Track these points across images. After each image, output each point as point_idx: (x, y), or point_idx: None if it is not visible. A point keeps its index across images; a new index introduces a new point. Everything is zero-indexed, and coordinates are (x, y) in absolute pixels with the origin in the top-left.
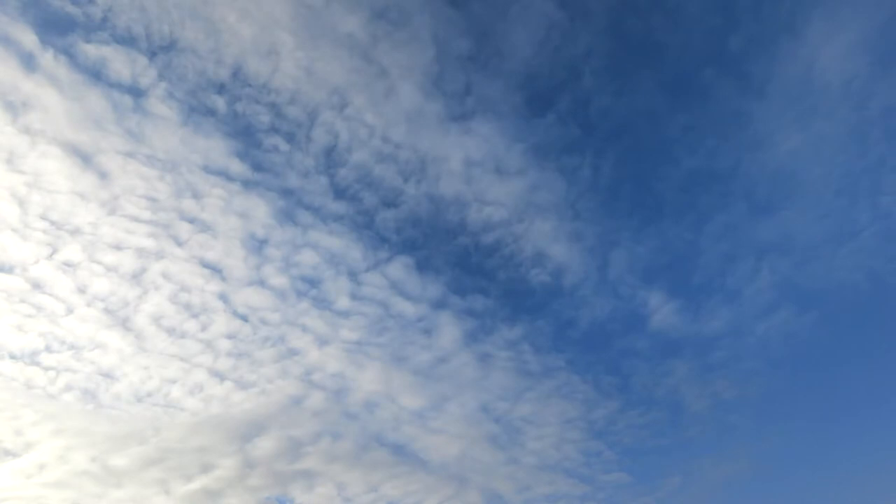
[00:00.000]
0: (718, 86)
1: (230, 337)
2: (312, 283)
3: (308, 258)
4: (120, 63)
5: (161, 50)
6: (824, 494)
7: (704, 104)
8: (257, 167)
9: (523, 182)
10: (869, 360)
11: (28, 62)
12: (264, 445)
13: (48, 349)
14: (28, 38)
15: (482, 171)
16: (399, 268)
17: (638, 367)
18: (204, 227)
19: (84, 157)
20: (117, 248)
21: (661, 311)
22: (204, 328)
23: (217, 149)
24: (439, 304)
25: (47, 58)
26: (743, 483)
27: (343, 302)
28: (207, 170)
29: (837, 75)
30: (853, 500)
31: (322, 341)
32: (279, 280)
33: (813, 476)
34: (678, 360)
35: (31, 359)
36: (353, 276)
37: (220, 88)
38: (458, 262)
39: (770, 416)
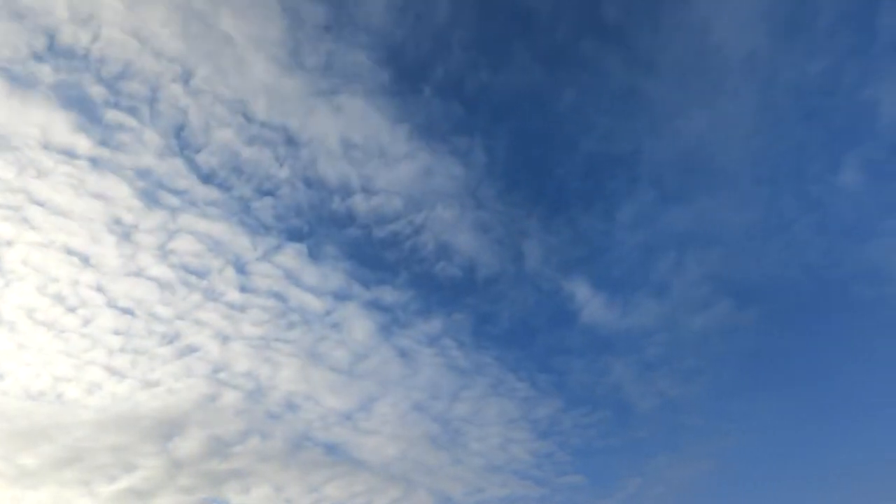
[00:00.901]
0: (601, 59)
1: (118, 333)
2: (198, 273)
3: (186, 245)
4: None
5: None
6: (790, 491)
7: (590, 79)
8: (104, 144)
9: (414, 167)
10: (814, 355)
11: None
12: (187, 445)
13: None
14: None
15: (364, 154)
16: (292, 257)
17: (573, 364)
18: (58, 211)
19: None
20: None
21: (590, 305)
22: (86, 323)
23: (54, 123)
24: (343, 296)
25: None
26: (707, 482)
27: (234, 294)
28: (48, 146)
29: (736, 48)
30: (819, 494)
31: (223, 337)
32: (159, 270)
33: (777, 473)
34: (613, 356)
35: None
36: (241, 266)
37: (40, 58)
38: (354, 252)
39: (723, 414)
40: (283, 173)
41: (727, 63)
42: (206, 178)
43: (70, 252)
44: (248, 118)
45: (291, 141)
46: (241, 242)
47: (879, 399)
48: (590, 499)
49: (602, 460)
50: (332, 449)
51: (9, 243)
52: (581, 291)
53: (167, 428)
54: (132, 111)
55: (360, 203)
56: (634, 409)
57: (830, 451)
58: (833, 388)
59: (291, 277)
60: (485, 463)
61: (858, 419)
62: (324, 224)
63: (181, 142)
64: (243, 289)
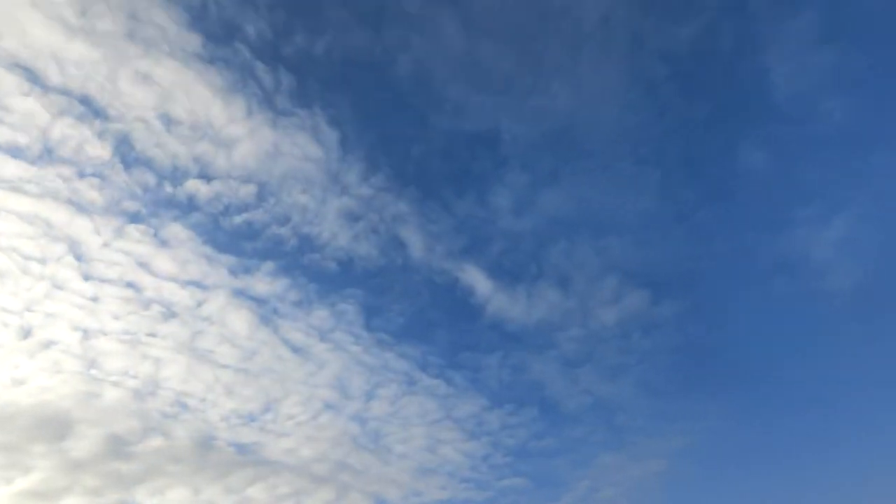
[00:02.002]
0: (431, 19)
1: None
2: (38, 260)
3: (13, 228)
4: None
5: None
6: (741, 490)
7: (425, 44)
8: None
9: (256, 147)
10: (742, 352)
11: None
12: (82, 445)
13: None
14: None
15: (192, 131)
16: (137, 242)
17: (485, 360)
18: None
19: None
20: None
21: (494, 298)
22: None
23: None
24: (207, 286)
25: None
26: (659, 483)
27: (81, 284)
28: None
29: (587, 11)
30: (768, 493)
31: (82, 331)
32: None
33: (728, 472)
34: (528, 352)
35: None
36: (82, 252)
37: None
38: (208, 239)
39: (662, 414)
40: (101, 152)
41: (579, 29)
42: (17, 154)
43: None
44: (45, 87)
45: (100, 114)
46: (77, 226)
47: (811, 395)
48: (537, 502)
49: (542, 462)
50: (244, 449)
51: None
52: (480, 284)
53: (53, 427)
54: None
55: (200, 189)
56: (563, 408)
57: (777, 448)
58: (767, 385)
59: (143, 265)
60: (416, 465)
61: (798, 415)
62: (164, 209)
63: None
64: (87, 277)
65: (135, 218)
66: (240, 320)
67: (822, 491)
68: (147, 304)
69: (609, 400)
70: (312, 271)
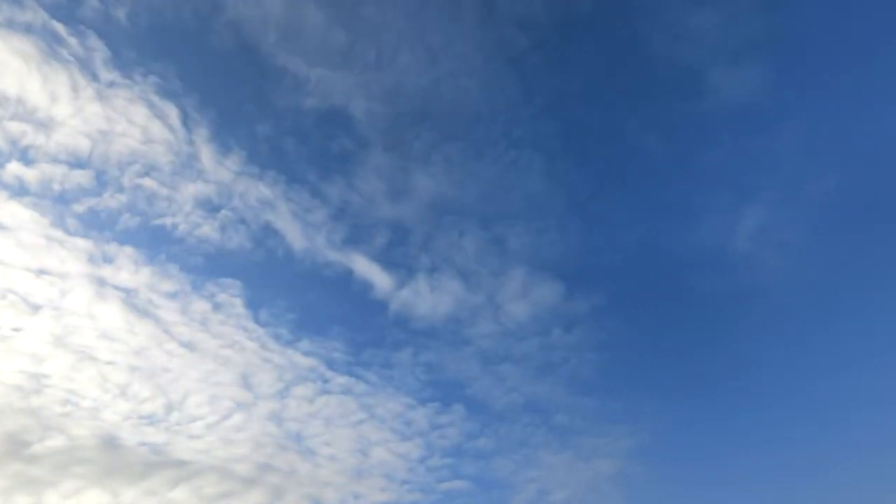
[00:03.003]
0: None
1: None
2: None
3: None
4: None
5: None
6: (693, 490)
7: None
8: None
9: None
10: (669, 349)
11: None
12: None
13: None
14: None
15: None
16: None
17: (394, 357)
18: None
19: None
20: None
21: (396, 293)
22: None
23: None
24: (66, 273)
25: None
26: (611, 484)
27: None
28: None
29: None
30: (721, 493)
31: None
32: None
33: (683, 471)
34: (439, 349)
35: None
36: None
37: None
38: (56, 220)
39: (606, 413)
40: None
41: None
42: None
43: None
44: None
45: None
46: None
47: (749, 391)
48: None
49: (483, 464)
50: (158, 451)
51: None
52: (377, 277)
53: None
54: None
55: (25, 173)
56: (491, 408)
57: (727, 447)
58: (705, 381)
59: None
60: (349, 467)
61: (742, 412)
62: None
63: None
64: None
65: None
66: (112, 313)
67: (773, 488)
68: (2, 295)
69: (541, 399)
70: (180, 261)
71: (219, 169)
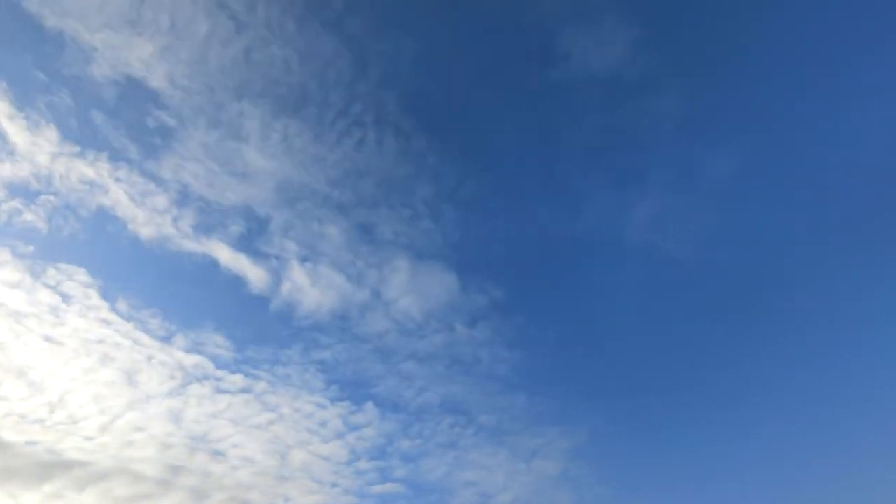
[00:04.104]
0: None
1: None
2: None
3: None
4: None
5: None
6: (639, 489)
7: None
8: None
9: None
10: (581, 342)
11: None
12: None
13: None
14: None
15: None
16: None
17: (283, 354)
18: None
19: None
20: None
21: (271, 284)
22: None
23: None
24: None
25: None
26: (556, 484)
27: None
28: None
29: None
30: (668, 490)
31: None
32: None
33: (627, 470)
34: (331, 345)
35: None
36: None
37: None
38: None
39: (539, 413)
40: None
41: None
42: None
43: None
44: None
45: None
46: None
47: (679, 390)
48: None
49: (412, 467)
50: (50, 451)
51: None
52: (248, 268)
53: None
54: None
55: None
56: (406, 407)
57: (667, 444)
58: (631, 380)
59: None
60: (269, 469)
61: (680, 410)
62: None
63: None
64: None
65: None
66: None
67: (716, 484)
68: None
69: (459, 398)
70: (10, 249)
71: (32, 149)
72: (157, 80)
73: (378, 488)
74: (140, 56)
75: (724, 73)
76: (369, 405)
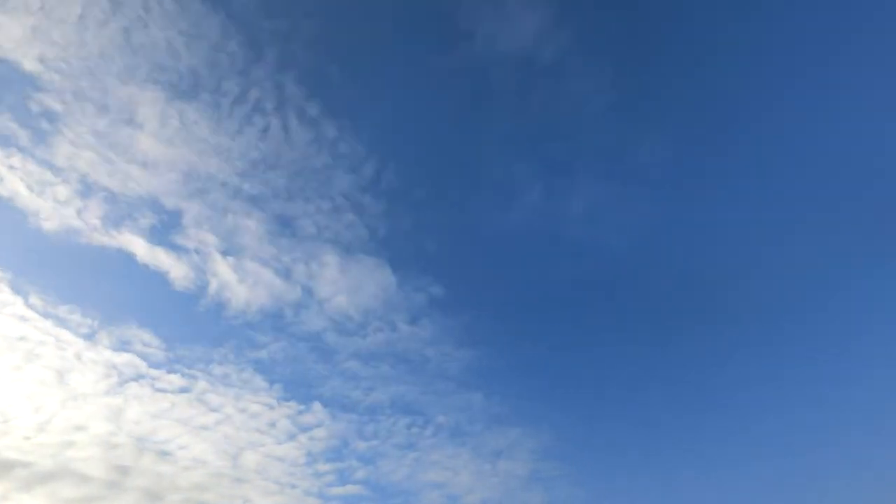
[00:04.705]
0: None
1: None
2: None
3: None
4: None
5: None
6: (620, 482)
7: None
8: None
9: None
10: (533, 343)
11: None
12: None
13: None
14: None
15: None
16: None
17: (216, 353)
18: None
19: None
20: None
21: (202, 282)
22: None
23: None
24: None
25: None
26: (527, 483)
27: None
28: None
29: None
30: (635, 489)
31: None
32: None
33: (602, 467)
34: (267, 343)
35: None
36: None
37: None
38: None
39: (493, 415)
40: None
41: None
42: None
43: None
44: None
45: None
46: None
47: (635, 387)
48: None
49: (370, 468)
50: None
51: None
52: (169, 263)
53: None
54: None
55: None
56: (357, 407)
57: (636, 442)
58: (592, 379)
59: None
60: (223, 470)
61: (636, 408)
62: None
63: None
64: None
65: None
66: None
67: (689, 483)
68: None
69: (410, 398)
70: None
71: None
72: (30, 62)
73: (338, 490)
74: (10, 37)
75: (648, 54)
76: (317, 405)
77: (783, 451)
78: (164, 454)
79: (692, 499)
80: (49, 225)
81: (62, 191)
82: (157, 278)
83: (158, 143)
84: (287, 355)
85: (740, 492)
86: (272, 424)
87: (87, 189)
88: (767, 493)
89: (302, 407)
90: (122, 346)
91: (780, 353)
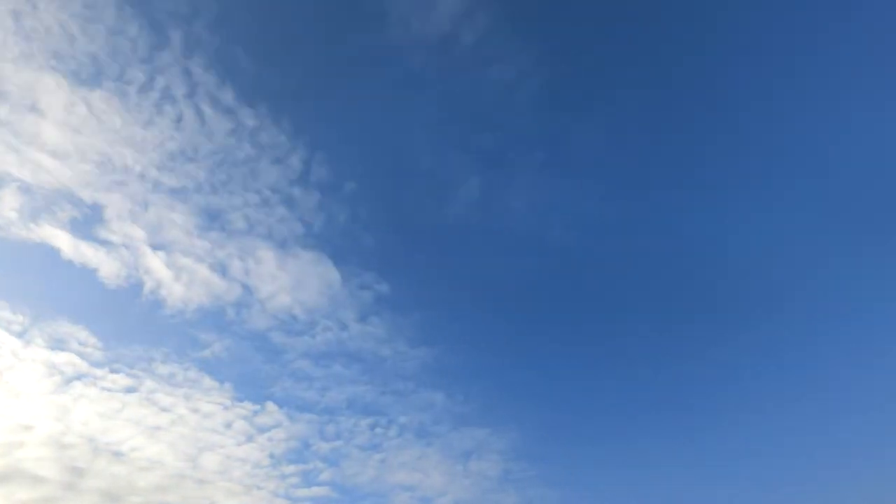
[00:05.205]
0: None
1: None
2: None
3: None
4: None
5: None
6: (593, 481)
7: None
8: None
9: None
10: (490, 342)
11: None
12: None
13: None
14: None
15: None
16: None
17: (164, 353)
18: None
19: None
20: None
21: (135, 279)
22: None
23: None
24: None
25: None
26: (498, 483)
27: None
28: None
29: None
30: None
31: None
32: None
33: (574, 467)
34: (218, 343)
35: None
36: None
37: None
38: None
39: (458, 415)
40: None
41: None
42: None
43: None
44: None
45: None
46: None
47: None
48: None
49: (335, 470)
50: None
51: None
52: (97, 258)
53: None
54: None
55: None
56: (312, 407)
57: (605, 441)
58: (555, 379)
59: None
60: (183, 472)
61: (596, 406)
62: None
63: None
64: None
65: None
66: None
67: (662, 482)
68: None
69: (369, 398)
70: None
71: None
72: None
73: (305, 492)
74: None
75: (575, 35)
76: (271, 406)
77: (747, 448)
78: (118, 455)
79: (666, 497)
80: None
81: None
82: (87, 274)
83: (66, 133)
84: (233, 355)
85: (712, 488)
86: (228, 425)
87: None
88: (737, 490)
89: (257, 407)
90: (58, 344)
91: (733, 346)
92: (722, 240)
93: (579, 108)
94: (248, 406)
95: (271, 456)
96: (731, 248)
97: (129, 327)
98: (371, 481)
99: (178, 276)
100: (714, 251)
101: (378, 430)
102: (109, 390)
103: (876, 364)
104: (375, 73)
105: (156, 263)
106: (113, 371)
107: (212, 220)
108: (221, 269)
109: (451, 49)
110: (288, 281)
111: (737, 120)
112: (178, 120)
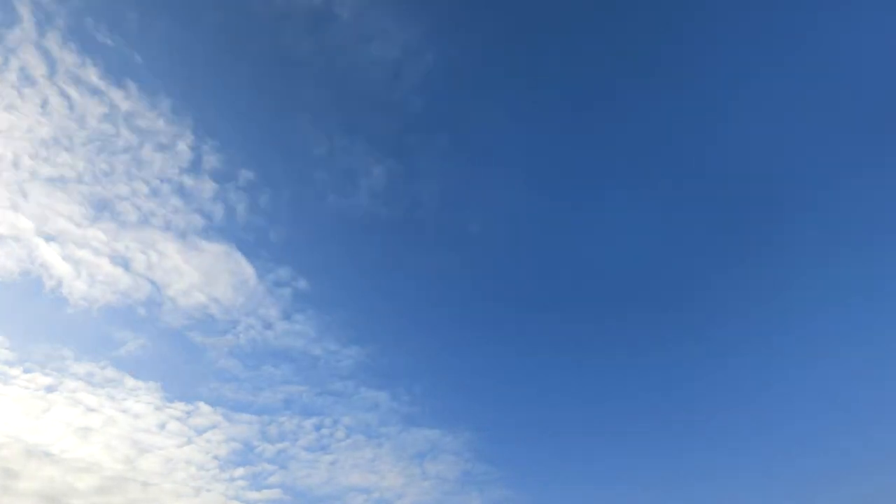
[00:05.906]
0: None
1: None
2: None
3: None
4: None
5: None
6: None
7: None
8: None
9: None
10: (428, 340)
11: None
12: None
13: None
14: None
15: None
16: None
17: (77, 353)
18: None
19: None
20: None
21: (35, 274)
22: None
23: None
24: None
25: None
26: (462, 485)
27: None
28: None
29: None
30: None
31: None
32: None
33: (536, 467)
34: (133, 342)
35: None
36: None
37: None
38: None
39: (406, 416)
40: None
41: None
42: None
43: None
44: None
45: None
46: None
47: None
48: None
49: (283, 473)
50: None
51: None
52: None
53: None
54: None
55: None
56: (248, 408)
57: (561, 439)
58: (504, 378)
59: None
60: (121, 474)
61: (530, 403)
62: None
63: None
64: None
65: None
66: None
67: (620, 484)
68: None
69: (308, 399)
70: None
71: None
72: None
73: (255, 494)
74: None
75: (469, 9)
76: (204, 407)
77: (712, 446)
78: (49, 456)
79: (632, 496)
80: None
81: None
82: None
83: None
84: (151, 354)
85: (681, 486)
86: (162, 426)
87: None
88: (705, 488)
89: (190, 408)
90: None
91: (668, 342)
92: (636, 235)
93: (479, 88)
94: (180, 406)
95: (216, 458)
96: (643, 242)
97: (34, 324)
98: (323, 483)
99: (78, 270)
100: (643, 240)
101: (324, 430)
102: (27, 389)
103: (875, 364)
104: (243, 50)
105: (51, 256)
106: (27, 371)
107: (100, 210)
108: (124, 263)
109: (325, 26)
110: (198, 276)
111: (653, 120)
112: (44, 104)
